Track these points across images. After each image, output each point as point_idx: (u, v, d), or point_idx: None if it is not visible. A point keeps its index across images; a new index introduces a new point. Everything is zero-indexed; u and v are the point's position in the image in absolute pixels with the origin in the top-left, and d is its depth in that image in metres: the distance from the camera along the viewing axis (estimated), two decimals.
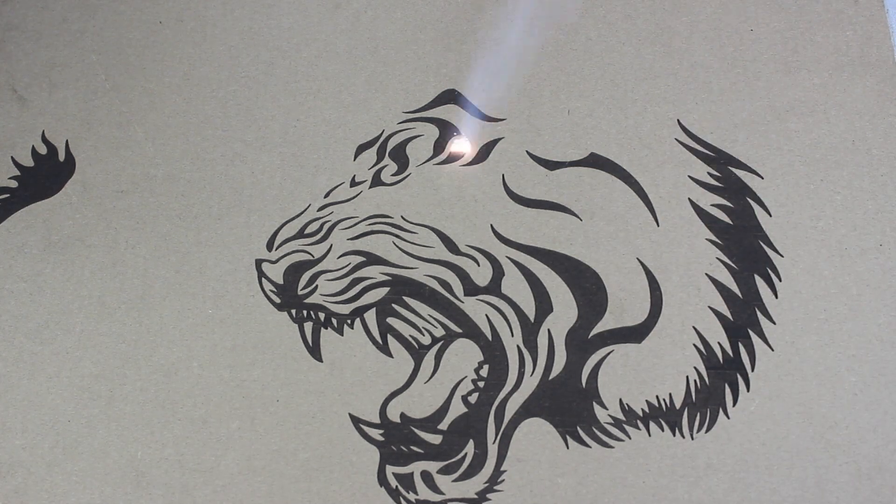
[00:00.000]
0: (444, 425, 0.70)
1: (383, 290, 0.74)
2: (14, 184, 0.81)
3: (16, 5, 0.88)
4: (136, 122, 0.82)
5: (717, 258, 0.72)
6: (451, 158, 0.77)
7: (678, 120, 0.77)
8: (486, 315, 0.72)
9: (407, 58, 0.82)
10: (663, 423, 0.69)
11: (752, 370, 0.69)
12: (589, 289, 0.72)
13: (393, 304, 0.73)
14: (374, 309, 0.74)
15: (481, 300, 0.73)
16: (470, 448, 0.70)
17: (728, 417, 0.68)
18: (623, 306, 0.72)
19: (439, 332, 0.73)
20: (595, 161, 0.76)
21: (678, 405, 0.69)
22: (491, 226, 0.75)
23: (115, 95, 0.83)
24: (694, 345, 0.70)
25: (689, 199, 0.74)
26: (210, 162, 0.80)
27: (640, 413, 0.69)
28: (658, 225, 0.74)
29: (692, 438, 0.68)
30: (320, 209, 0.77)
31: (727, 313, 0.71)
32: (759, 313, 0.71)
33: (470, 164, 0.77)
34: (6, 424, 0.73)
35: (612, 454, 0.69)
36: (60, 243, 0.78)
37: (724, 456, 0.68)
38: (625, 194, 0.75)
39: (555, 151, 0.77)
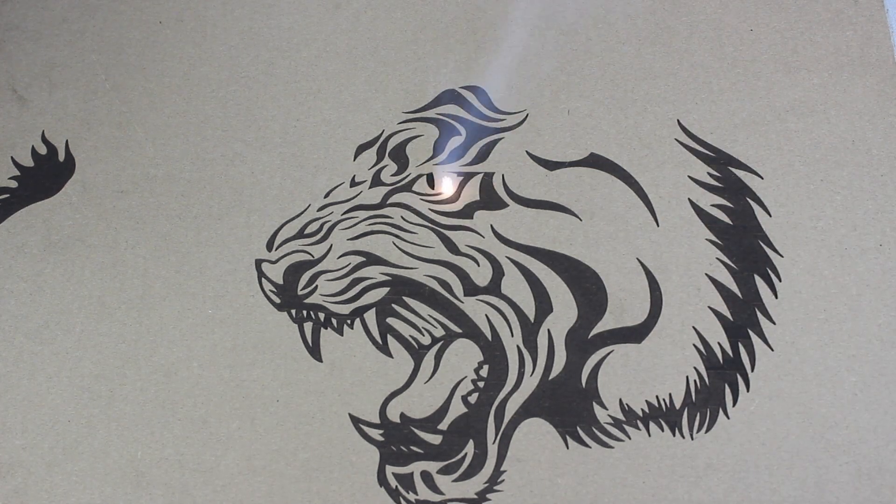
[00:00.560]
0: (444, 425, 0.70)
1: (383, 290, 0.74)
2: (14, 184, 0.81)
3: (16, 5, 0.88)
4: (136, 122, 0.82)
5: (717, 258, 0.72)
6: (451, 158, 0.77)
7: (678, 120, 0.77)
8: (486, 315, 0.72)
9: (407, 58, 0.82)
10: (663, 423, 0.69)
11: (752, 370, 0.69)
12: (589, 289, 0.72)
13: (393, 304, 0.73)
14: (374, 309, 0.74)
15: (481, 300, 0.73)
16: (470, 448, 0.70)
17: (728, 417, 0.68)
18: (623, 306, 0.72)
19: (439, 333, 0.73)
20: (595, 161, 0.76)
21: (678, 405, 0.69)
22: (491, 226, 0.75)
23: (115, 95, 0.83)
24: (694, 345, 0.70)
25: (689, 199, 0.74)
26: (210, 162, 0.80)
27: (640, 413, 0.69)
28: (658, 225, 0.74)
29: (692, 438, 0.68)
30: (320, 209, 0.77)
31: (727, 313, 0.71)
32: (759, 313, 0.71)
33: (470, 164, 0.77)
34: (6, 424, 0.73)
35: (612, 454, 0.69)
36: (60, 243, 0.78)
37: (724, 456, 0.68)
38: (625, 194, 0.75)
39: (555, 151, 0.77)
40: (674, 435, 0.69)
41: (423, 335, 0.73)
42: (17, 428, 0.73)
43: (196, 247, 0.77)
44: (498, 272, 0.73)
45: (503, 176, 0.76)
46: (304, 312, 0.74)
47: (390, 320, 0.73)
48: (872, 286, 0.71)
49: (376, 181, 0.77)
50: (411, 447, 0.70)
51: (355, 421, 0.71)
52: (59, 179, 0.81)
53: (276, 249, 0.76)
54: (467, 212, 0.75)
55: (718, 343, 0.70)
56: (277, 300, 0.74)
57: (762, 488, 0.66)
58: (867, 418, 0.67)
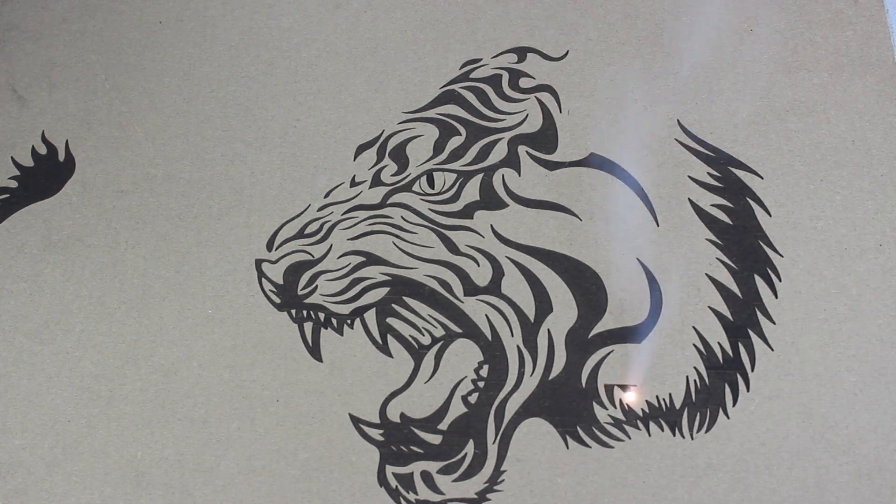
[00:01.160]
0: (444, 425, 0.70)
1: (383, 290, 0.74)
2: (14, 184, 0.81)
3: (16, 5, 0.88)
4: (136, 122, 0.82)
5: (717, 258, 0.72)
6: (451, 158, 0.77)
7: (678, 120, 0.77)
8: (486, 315, 0.72)
9: (407, 58, 0.82)
10: (663, 423, 0.69)
11: (752, 370, 0.69)
12: (589, 289, 0.72)
13: (393, 304, 0.73)
14: (374, 309, 0.74)
15: (481, 300, 0.73)
16: (470, 448, 0.70)
17: (728, 417, 0.68)
18: (623, 306, 0.72)
19: (439, 332, 0.73)
20: (595, 161, 0.76)
21: (678, 405, 0.69)
22: (491, 226, 0.75)
23: (115, 95, 0.83)
24: (694, 345, 0.70)
25: (689, 199, 0.74)
26: (210, 162, 0.80)
27: (640, 413, 0.69)
28: (658, 225, 0.74)
29: (692, 438, 0.68)
30: (320, 209, 0.77)
31: (727, 313, 0.71)
32: (759, 313, 0.71)
33: (470, 164, 0.77)
34: (6, 424, 0.73)
35: (612, 454, 0.69)
36: (60, 243, 0.78)
37: (724, 456, 0.68)
38: (625, 194, 0.75)
39: (555, 151, 0.77)
40: (674, 435, 0.69)
41: (423, 335, 0.73)
42: (17, 428, 0.73)
43: (196, 247, 0.77)
44: (498, 272, 0.73)
45: (503, 176, 0.76)
46: (304, 312, 0.74)
47: (390, 320, 0.73)
48: (872, 286, 0.71)
49: (376, 181, 0.77)
50: (411, 447, 0.70)
51: (355, 421, 0.71)
52: (59, 179, 0.81)
53: (276, 249, 0.76)
54: (467, 212, 0.75)
55: (718, 343, 0.70)
56: (277, 300, 0.74)
57: (762, 488, 0.66)
58: (867, 418, 0.67)
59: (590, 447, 0.69)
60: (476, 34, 0.82)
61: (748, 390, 0.69)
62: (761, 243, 0.72)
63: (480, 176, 0.76)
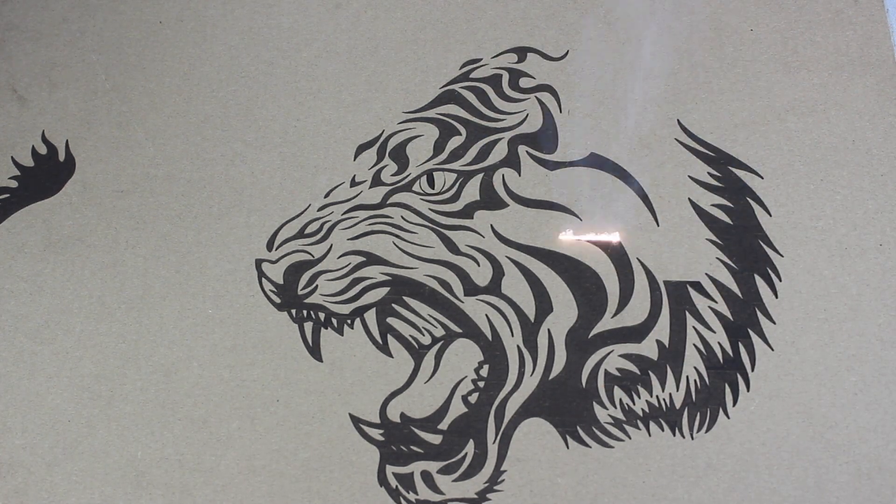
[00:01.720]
0: (444, 425, 0.70)
1: (383, 290, 0.74)
2: (14, 184, 0.81)
3: (16, 5, 0.88)
4: (136, 122, 0.82)
5: (717, 258, 0.72)
6: (451, 158, 0.77)
7: (678, 120, 0.77)
8: (486, 315, 0.72)
9: (407, 58, 0.82)
10: (663, 423, 0.69)
11: (752, 370, 0.69)
12: (589, 289, 0.72)
13: (393, 304, 0.73)
14: (374, 309, 0.74)
15: (481, 300, 0.73)
16: (470, 448, 0.70)
17: (728, 417, 0.68)
18: (623, 306, 0.72)
19: (439, 332, 0.73)
20: (595, 161, 0.76)
21: (678, 405, 0.69)
22: (491, 226, 0.75)
23: (115, 95, 0.83)
24: (694, 345, 0.70)
25: (689, 199, 0.74)
26: (210, 162, 0.80)
27: (640, 413, 0.69)
28: (658, 225, 0.74)
29: (692, 438, 0.68)
30: (320, 209, 0.77)
31: (727, 313, 0.71)
32: (759, 313, 0.71)
33: (470, 164, 0.77)
34: (6, 424, 0.73)
35: (612, 454, 0.69)
36: (60, 243, 0.78)
37: (724, 456, 0.68)
38: (625, 194, 0.75)
39: (555, 151, 0.77)
40: (674, 435, 0.69)
41: (424, 335, 0.73)
42: (17, 428, 0.73)
43: (196, 247, 0.77)
44: (498, 272, 0.73)
45: (503, 176, 0.76)
46: (305, 312, 0.74)
47: (390, 320, 0.73)
48: (872, 286, 0.71)
49: (376, 181, 0.77)
50: (411, 447, 0.70)
51: (355, 421, 0.71)
52: (59, 179, 0.81)
53: (276, 249, 0.76)
54: (467, 212, 0.75)
55: (718, 343, 0.70)
56: (277, 300, 0.74)
57: (762, 488, 0.66)
58: (867, 418, 0.67)
59: (590, 447, 0.69)
60: (476, 34, 0.82)
61: (748, 390, 0.69)
62: (761, 243, 0.72)
63: (480, 176, 0.76)
